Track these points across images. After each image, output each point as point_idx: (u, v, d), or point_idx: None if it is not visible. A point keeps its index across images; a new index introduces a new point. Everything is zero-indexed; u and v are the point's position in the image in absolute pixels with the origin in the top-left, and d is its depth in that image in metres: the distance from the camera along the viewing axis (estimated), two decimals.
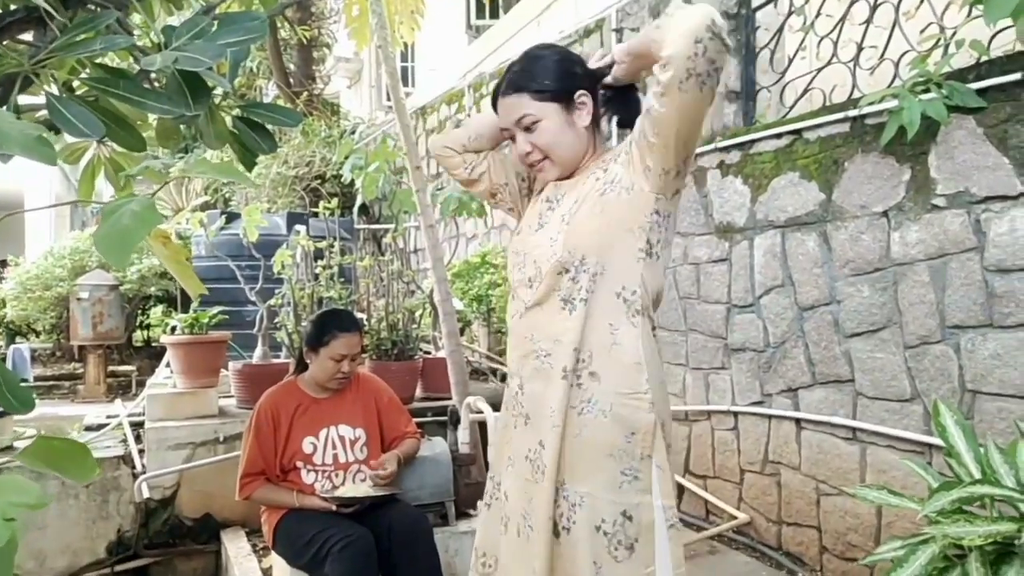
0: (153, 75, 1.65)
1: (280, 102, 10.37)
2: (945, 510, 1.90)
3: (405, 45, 4.70)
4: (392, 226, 5.15)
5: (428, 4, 4.50)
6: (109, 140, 1.59)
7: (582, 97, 1.64)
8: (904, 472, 2.90)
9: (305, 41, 10.46)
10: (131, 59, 1.86)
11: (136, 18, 1.81)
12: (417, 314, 4.68)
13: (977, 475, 2.00)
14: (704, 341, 3.97)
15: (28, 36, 1.62)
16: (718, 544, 3.68)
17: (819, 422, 3.30)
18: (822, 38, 3.39)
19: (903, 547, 2.09)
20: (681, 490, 4.17)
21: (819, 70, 3.44)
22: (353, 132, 8.63)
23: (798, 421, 3.42)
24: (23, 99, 1.51)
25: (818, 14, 3.40)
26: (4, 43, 1.56)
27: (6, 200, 10.97)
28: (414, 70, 11.70)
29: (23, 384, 1.23)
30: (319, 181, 8.14)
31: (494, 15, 9.76)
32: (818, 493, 3.32)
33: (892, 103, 2.78)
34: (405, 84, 10.56)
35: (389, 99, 10.98)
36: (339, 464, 2.66)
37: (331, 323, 2.71)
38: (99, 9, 1.66)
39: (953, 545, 1.96)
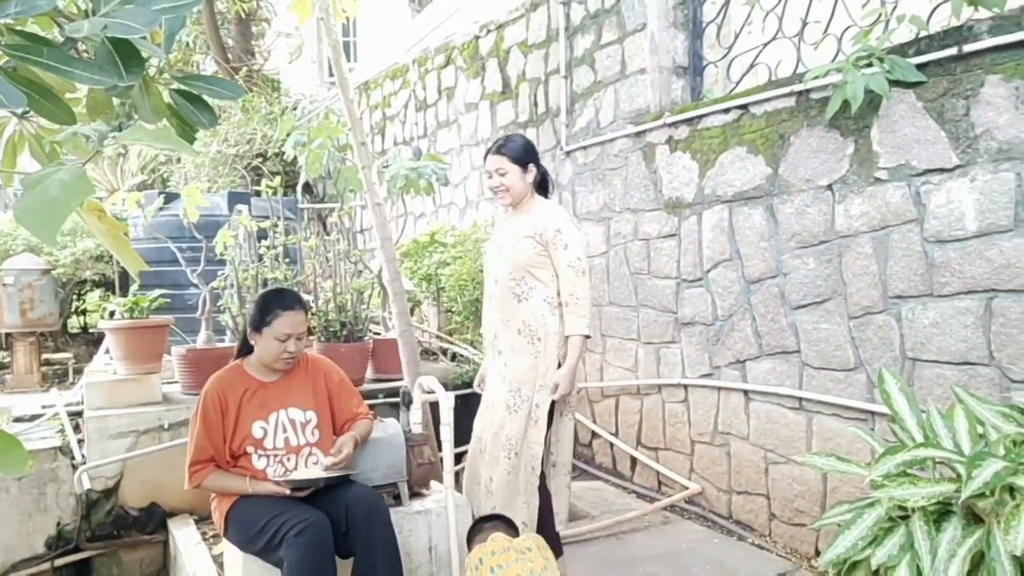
0: (81, 45, 1.55)
1: None
2: (891, 473, 1.97)
3: (347, 20, 4.58)
4: (337, 205, 5.04)
5: None
6: (34, 112, 1.49)
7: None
8: (848, 439, 2.99)
9: (243, 15, 10.10)
10: (56, 28, 1.75)
11: None
12: (366, 295, 4.61)
13: (920, 439, 2.07)
14: (655, 316, 4.01)
15: None
16: (670, 514, 3.75)
17: (767, 393, 3.38)
18: (768, 13, 3.42)
19: (850, 510, 2.16)
20: (633, 462, 4.23)
21: (765, 45, 3.48)
22: (295, 108, 8.40)
23: (746, 392, 3.49)
24: None
25: None
26: None
27: None
28: (356, 45, 11.44)
29: None
30: (260, 159, 7.92)
31: None
32: (767, 462, 3.41)
33: (836, 77, 2.83)
34: (348, 59, 10.33)
35: (331, 75, 10.72)
36: (291, 448, 2.60)
37: (273, 302, 2.62)
38: None
39: (897, 507, 2.03)
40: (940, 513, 1.99)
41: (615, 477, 4.32)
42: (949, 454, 2.01)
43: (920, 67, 2.66)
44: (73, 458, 3.57)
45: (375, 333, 4.77)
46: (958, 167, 2.60)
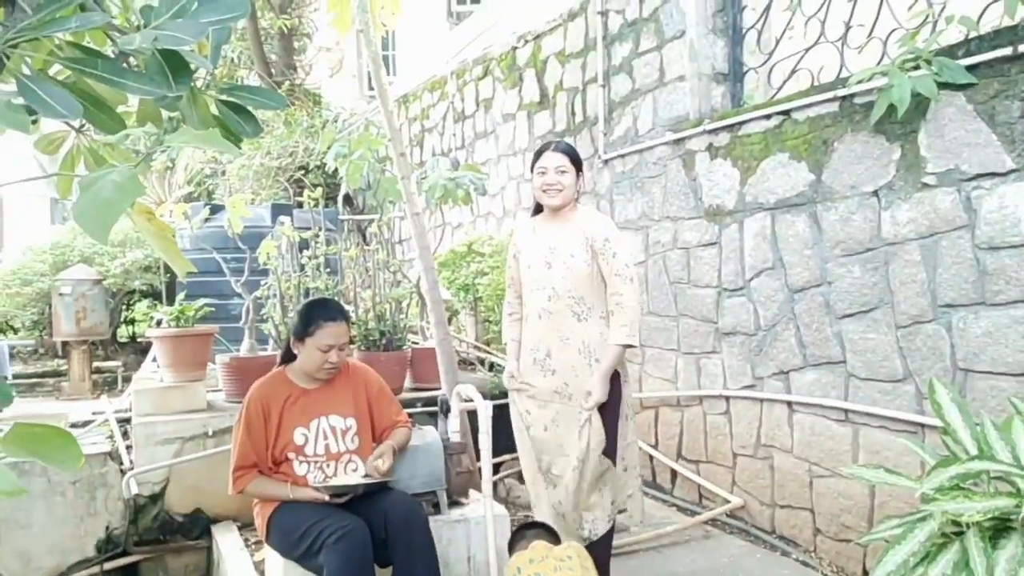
0: (132, 60, 1.60)
1: None
2: (943, 487, 1.90)
3: (386, 33, 4.64)
4: (377, 216, 5.09)
5: None
6: (87, 122, 1.53)
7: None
8: (896, 452, 2.90)
9: (286, 30, 10.32)
10: (108, 43, 1.81)
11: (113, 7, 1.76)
12: (404, 304, 4.64)
13: (974, 452, 1.99)
14: (695, 326, 3.96)
15: None
16: (712, 528, 3.68)
17: (811, 404, 3.30)
18: (809, 18, 3.37)
19: (900, 525, 2.09)
20: (674, 475, 4.17)
21: (807, 50, 3.42)
22: (336, 121, 8.53)
23: (790, 404, 3.42)
24: None
25: None
26: None
27: None
28: (395, 59, 11.59)
29: (3, 379, 1.19)
30: (302, 172, 8.05)
31: (475, 0, 9.67)
32: (811, 475, 3.32)
33: (881, 81, 2.77)
34: (387, 73, 10.46)
35: (371, 88, 10.87)
36: (331, 454, 2.62)
37: (317, 312, 2.66)
38: None
39: (951, 522, 1.96)
40: (997, 529, 1.91)
41: (655, 490, 4.26)
42: (1008, 467, 1.93)
43: (970, 69, 2.59)
44: (121, 463, 3.65)
45: (413, 342, 4.79)
46: (1013, 171, 2.52)
